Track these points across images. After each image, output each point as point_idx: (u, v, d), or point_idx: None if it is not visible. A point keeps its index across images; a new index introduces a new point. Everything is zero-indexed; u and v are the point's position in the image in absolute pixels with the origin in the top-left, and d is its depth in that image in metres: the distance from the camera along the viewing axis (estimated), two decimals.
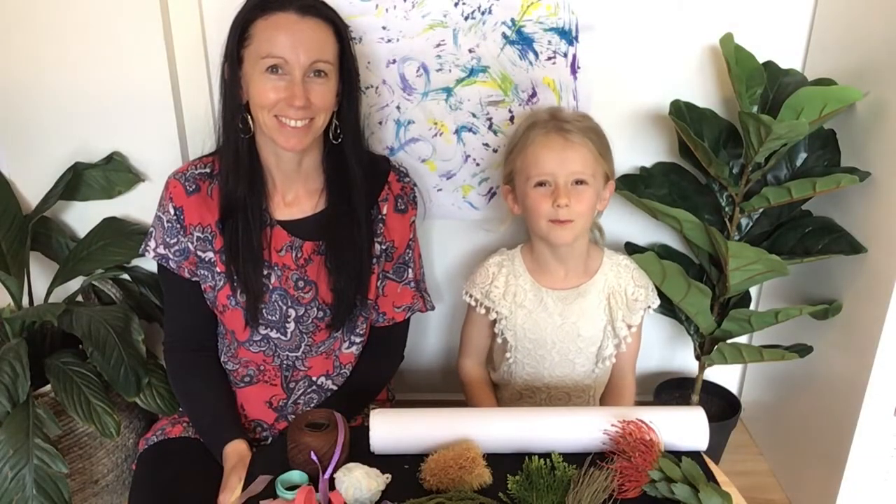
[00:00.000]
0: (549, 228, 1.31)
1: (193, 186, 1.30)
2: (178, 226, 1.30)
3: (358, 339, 1.39)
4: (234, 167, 1.26)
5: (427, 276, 1.55)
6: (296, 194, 1.32)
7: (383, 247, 1.36)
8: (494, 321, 1.43)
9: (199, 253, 1.31)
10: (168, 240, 1.31)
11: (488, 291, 1.42)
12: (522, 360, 1.43)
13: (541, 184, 1.31)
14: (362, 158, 1.32)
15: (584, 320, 1.40)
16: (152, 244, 1.33)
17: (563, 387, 1.45)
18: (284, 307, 1.32)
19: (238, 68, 1.21)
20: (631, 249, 1.59)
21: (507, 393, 1.50)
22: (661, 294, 1.54)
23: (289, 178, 1.31)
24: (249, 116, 1.24)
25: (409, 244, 1.39)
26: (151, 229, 1.34)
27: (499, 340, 1.45)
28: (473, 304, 1.44)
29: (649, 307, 1.43)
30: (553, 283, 1.41)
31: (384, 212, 1.35)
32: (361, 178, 1.31)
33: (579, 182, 1.30)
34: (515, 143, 1.37)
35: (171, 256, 1.32)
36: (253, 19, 1.19)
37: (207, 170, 1.31)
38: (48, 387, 1.47)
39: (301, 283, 1.32)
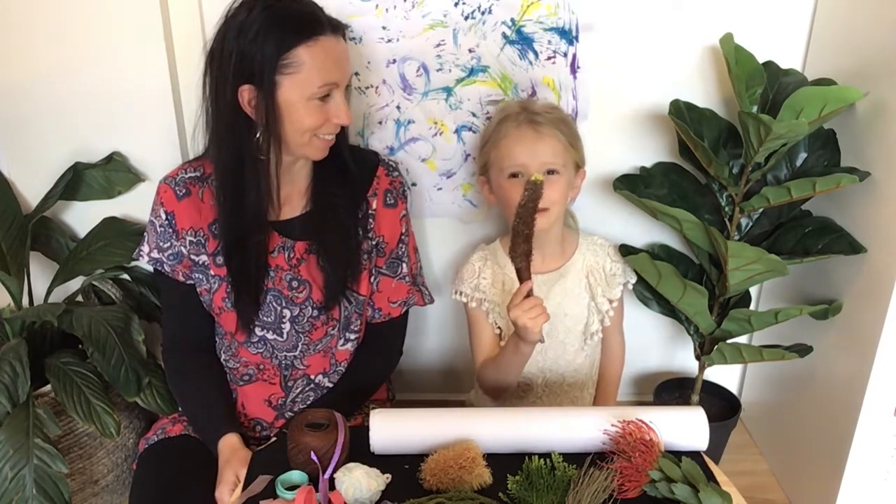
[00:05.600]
0: None
1: (184, 191, 1.30)
2: (171, 230, 1.30)
3: (353, 336, 1.39)
4: (240, 177, 1.23)
5: (426, 274, 1.55)
6: (287, 194, 1.32)
7: (374, 242, 1.36)
8: (487, 312, 1.47)
9: (193, 256, 1.31)
10: (161, 244, 1.31)
11: (477, 284, 1.47)
12: None
13: (514, 175, 1.36)
14: (351, 154, 1.33)
15: (568, 300, 1.45)
16: (146, 248, 1.33)
17: (556, 368, 1.48)
18: (279, 308, 1.32)
19: (272, 92, 1.16)
20: (626, 251, 1.60)
21: None
22: (658, 295, 1.55)
23: (283, 180, 1.30)
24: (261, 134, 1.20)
25: (401, 238, 1.39)
26: (145, 234, 1.34)
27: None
28: (465, 300, 1.47)
29: (628, 282, 1.51)
30: (534, 269, 1.44)
31: (373, 207, 1.35)
32: (350, 174, 1.32)
33: (551, 172, 1.36)
34: (489, 137, 1.42)
35: (165, 260, 1.32)
36: (292, 46, 1.14)
37: (197, 173, 1.31)
38: (48, 387, 1.48)
39: (294, 283, 1.32)
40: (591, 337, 1.48)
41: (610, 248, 1.51)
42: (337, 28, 1.20)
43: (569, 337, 1.47)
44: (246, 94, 1.17)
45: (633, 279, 1.52)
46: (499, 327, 1.47)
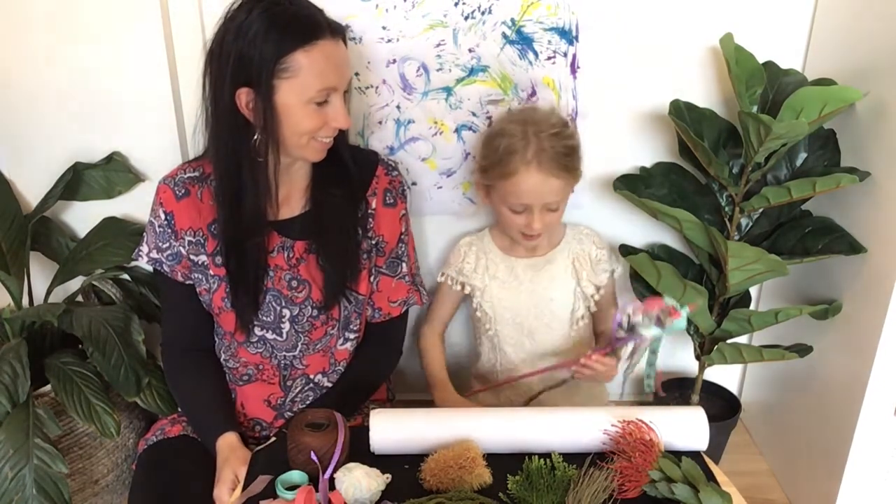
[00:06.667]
0: (520, 237, 1.44)
1: (183, 191, 1.30)
2: (170, 231, 1.30)
3: (352, 336, 1.39)
4: (238, 178, 1.22)
5: (425, 272, 1.56)
6: (286, 194, 1.31)
7: (373, 241, 1.36)
8: (468, 295, 1.53)
9: (192, 257, 1.31)
10: (160, 244, 1.31)
11: (461, 268, 1.53)
12: (503, 330, 1.51)
13: (517, 211, 1.40)
14: (351, 153, 1.33)
15: (555, 285, 1.49)
16: (145, 249, 1.33)
17: (543, 353, 1.50)
18: (279, 308, 1.32)
19: (269, 95, 1.15)
20: (626, 251, 1.60)
21: (497, 376, 1.54)
22: (658, 295, 1.55)
23: (281, 180, 1.30)
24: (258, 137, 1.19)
25: (400, 238, 1.39)
26: (144, 234, 1.34)
27: (478, 314, 1.52)
28: (445, 281, 1.54)
29: (614, 270, 1.53)
30: (522, 254, 1.52)
31: (373, 206, 1.35)
32: (349, 173, 1.31)
33: (552, 210, 1.40)
34: (496, 163, 1.37)
35: (164, 260, 1.32)
36: (290, 50, 1.13)
37: (196, 173, 1.31)
38: (48, 387, 1.48)
39: (294, 283, 1.32)
40: (578, 322, 1.50)
41: (595, 236, 1.54)
42: (336, 31, 1.19)
43: (555, 322, 1.49)
44: (244, 96, 1.16)
45: (619, 268, 1.54)
46: (484, 311, 1.51)
